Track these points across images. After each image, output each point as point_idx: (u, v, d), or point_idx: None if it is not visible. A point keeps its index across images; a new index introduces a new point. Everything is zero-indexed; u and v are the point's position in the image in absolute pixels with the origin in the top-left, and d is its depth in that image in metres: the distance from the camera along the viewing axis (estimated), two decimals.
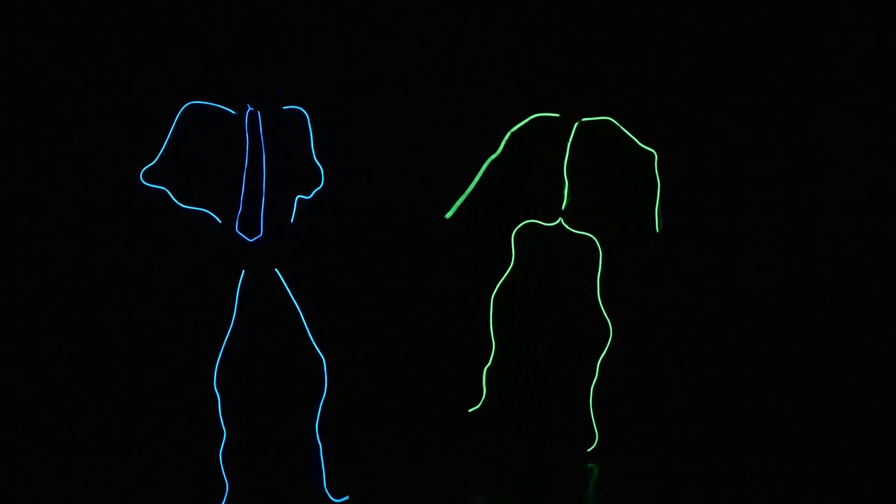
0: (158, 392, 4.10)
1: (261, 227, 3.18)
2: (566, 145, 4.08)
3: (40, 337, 4.08)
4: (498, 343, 4.18)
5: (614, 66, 4.77)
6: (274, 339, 3.27)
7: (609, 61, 4.75)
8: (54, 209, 4.05)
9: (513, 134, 4.14)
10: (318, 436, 3.30)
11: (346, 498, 3.38)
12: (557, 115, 4.13)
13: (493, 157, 4.14)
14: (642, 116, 4.49)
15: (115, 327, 4.14)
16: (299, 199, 3.28)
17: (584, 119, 4.11)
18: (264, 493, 3.30)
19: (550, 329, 4.12)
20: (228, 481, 3.22)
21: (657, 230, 4.12)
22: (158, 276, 4.10)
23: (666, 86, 4.84)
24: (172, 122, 3.13)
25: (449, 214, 4.15)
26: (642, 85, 4.80)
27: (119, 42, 4.07)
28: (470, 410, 4.25)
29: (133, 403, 4.11)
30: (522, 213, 4.13)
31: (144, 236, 4.06)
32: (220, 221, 3.17)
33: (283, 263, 3.25)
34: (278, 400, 3.28)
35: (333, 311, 3.86)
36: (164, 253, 4.03)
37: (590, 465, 4.00)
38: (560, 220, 4.08)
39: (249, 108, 3.21)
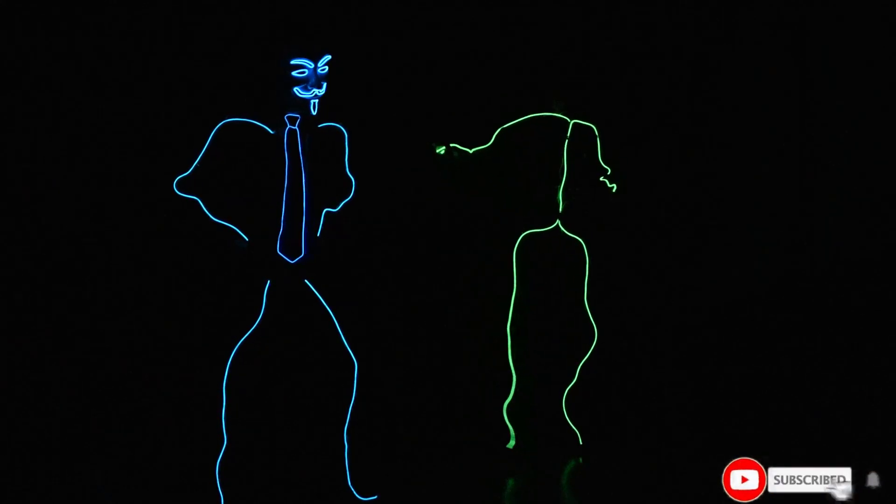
0: (176, 396, 4.04)
1: (303, 247, 3.13)
2: (563, 146, 4.06)
3: (66, 344, 4.02)
4: (519, 374, 4.07)
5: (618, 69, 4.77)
6: (303, 342, 3.21)
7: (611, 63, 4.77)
8: (86, 218, 4.03)
9: (504, 131, 4.06)
10: (345, 438, 3.25)
11: (375, 497, 3.33)
12: (557, 114, 4.08)
13: (482, 147, 4.08)
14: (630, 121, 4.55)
15: (143, 332, 4.10)
16: (326, 212, 3.24)
17: (576, 121, 4.10)
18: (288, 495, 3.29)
19: (539, 334, 4.09)
20: (223, 491, 3.12)
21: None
22: (186, 284, 4.06)
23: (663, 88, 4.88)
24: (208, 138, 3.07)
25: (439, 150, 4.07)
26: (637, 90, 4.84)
27: (160, 62, 4.08)
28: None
29: (147, 407, 4.06)
30: (522, 221, 4.08)
31: (174, 246, 4.02)
32: (246, 239, 3.11)
33: (314, 276, 3.20)
34: (304, 403, 3.24)
35: (358, 315, 3.83)
36: (194, 263, 4.01)
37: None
38: (557, 222, 4.08)
39: (289, 127, 3.12)
